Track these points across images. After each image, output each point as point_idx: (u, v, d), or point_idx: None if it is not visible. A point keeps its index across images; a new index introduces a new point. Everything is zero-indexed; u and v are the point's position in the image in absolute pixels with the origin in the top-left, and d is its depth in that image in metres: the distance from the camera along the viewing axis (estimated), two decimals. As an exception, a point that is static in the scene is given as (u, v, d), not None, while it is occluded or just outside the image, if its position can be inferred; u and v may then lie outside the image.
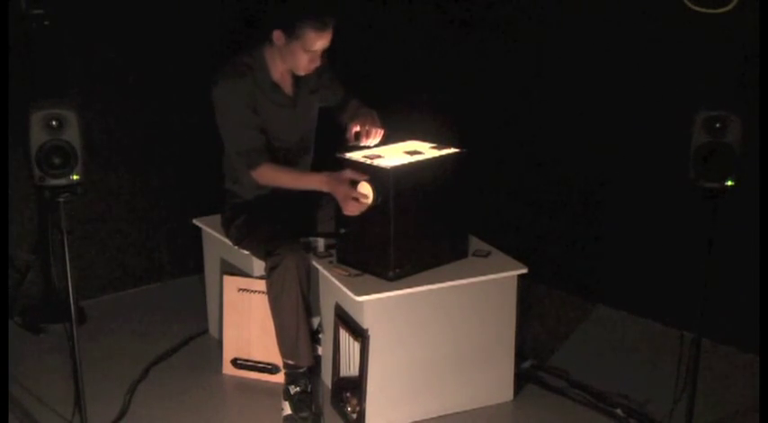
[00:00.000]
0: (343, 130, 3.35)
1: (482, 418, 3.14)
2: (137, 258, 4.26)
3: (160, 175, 4.25)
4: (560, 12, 3.96)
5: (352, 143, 3.24)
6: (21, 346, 3.63)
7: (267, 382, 3.34)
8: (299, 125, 3.36)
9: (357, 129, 3.24)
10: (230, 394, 3.34)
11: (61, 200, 2.66)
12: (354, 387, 3.04)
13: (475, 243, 3.35)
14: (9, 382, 3.22)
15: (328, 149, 3.28)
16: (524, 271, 3.15)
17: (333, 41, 3.13)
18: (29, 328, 3.80)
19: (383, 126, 3.26)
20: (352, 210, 3.00)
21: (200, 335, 3.77)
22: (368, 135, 3.22)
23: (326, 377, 3.30)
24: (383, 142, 3.28)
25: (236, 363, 3.40)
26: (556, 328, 3.82)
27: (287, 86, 3.30)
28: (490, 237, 3.41)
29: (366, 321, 2.97)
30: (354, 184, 3.00)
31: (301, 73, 3.22)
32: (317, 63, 3.16)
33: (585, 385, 3.29)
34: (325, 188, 3.08)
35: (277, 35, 3.11)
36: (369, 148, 3.23)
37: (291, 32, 3.07)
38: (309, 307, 3.12)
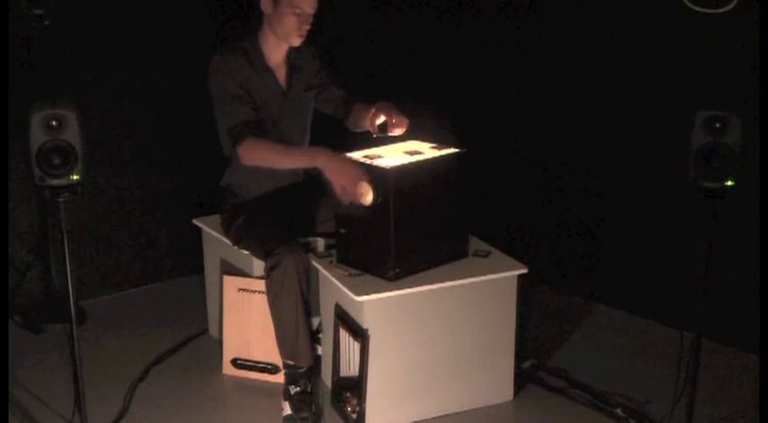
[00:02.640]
0: (358, 129, 3.36)
1: (482, 418, 3.14)
2: (137, 258, 4.26)
3: (160, 175, 4.25)
4: (560, 11, 3.96)
5: (376, 135, 3.23)
6: (21, 346, 3.63)
7: (267, 382, 3.34)
8: (288, 118, 3.32)
9: (381, 120, 3.23)
10: (230, 394, 3.34)
11: (61, 200, 2.66)
12: (354, 387, 3.04)
13: (475, 243, 3.35)
14: (9, 382, 3.23)
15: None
16: (524, 271, 3.15)
17: (320, 7, 3.15)
18: (29, 328, 3.80)
19: (406, 116, 3.23)
20: (346, 198, 2.96)
21: (200, 335, 3.77)
22: (395, 126, 3.21)
23: (326, 377, 3.30)
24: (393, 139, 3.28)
25: (236, 363, 3.40)
26: (556, 328, 3.82)
27: (281, 76, 3.31)
28: (490, 237, 3.41)
29: (366, 321, 2.97)
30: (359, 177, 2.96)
31: (295, 42, 3.21)
32: (308, 26, 3.17)
33: (585, 385, 3.29)
34: (318, 164, 2.96)
35: (265, 3, 3.15)
36: (396, 138, 3.22)
37: None
38: (309, 307, 3.12)
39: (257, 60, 3.23)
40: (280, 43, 3.25)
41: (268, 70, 3.26)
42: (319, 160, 2.98)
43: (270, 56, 3.26)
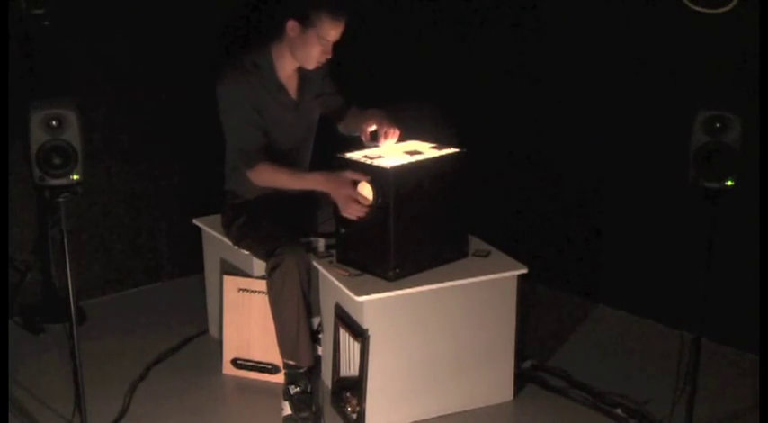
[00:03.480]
0: (349, 133, 3.37)
1: (482, 418, 3.14)
2: (137, 258, 4.26)
3: (160, 175, 4.25)
4: (560, 11, 3.96)
5: (367, 143, 3.23)
6: (21, 346, 3.63)
7: (267, 382, 3.34)
8: (300, 129, 3.36)
9: (372, 129, 3.23)
10: (230, 394, 3.34)
11: (61, 200, 2.66)
12: (354, 387, 3.04)
13: (475, 243, 3.35)
14: (9, 382, 3.23)
15: (327, 150, 3.28)
16: (524, 271, 3.15)
17: (342, 38, 3.14)
18: (29, 328, 3.80)
19: (398, 125, 3.24)
20: (352, 212, 2.99)
21: (200, 335, 3.77)
22: (386, 135, 3.21)
23: (326, 377, 3.30)
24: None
25: (236, 363, 3.40)
26: (556, 328, 3.82)
27: (292, 89, 3.31)
28: (490, 237, 3.41)
29: (366, 321, 2.97)
30: (355, 184, 3.00)
31: (311, 67, 3.21)
32: (329, 55, 3.17)
33: (585, 385, 3.29)
34: (323, 188, 3.07)
35: (291, 25, 3.13)
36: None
37: (307, 20, 3.09)
38: (310, 307, 3.12)
39: (269, 77, 3.23)
40: (295, 62, 3.24)
41: (280, 87, 3.26)
42: (322, 185, 3.07)
43: (282, 71, 3.26)
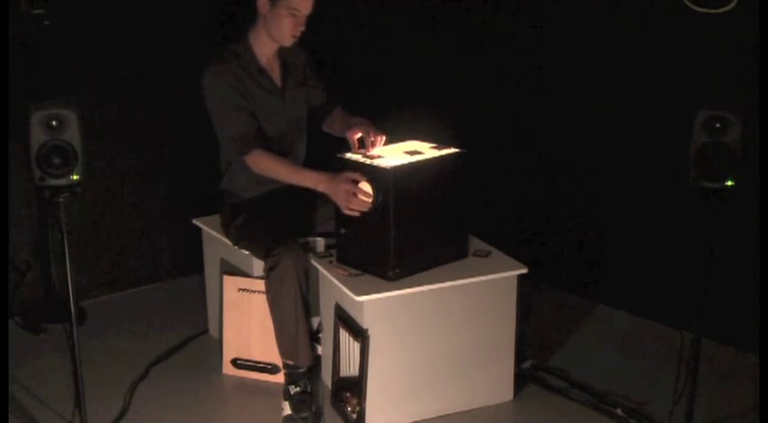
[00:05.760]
0: (332, 134, 3.37)
1: (482, 418, 3.14)
2: (137, 258, 4.26)
3: (160, 175, 4.25)
4: (560, 11, 3.96)
5: (357, 151, 3.24)
6: (21, 346, 3.63)
7: (267, 382, 3.34)
8: (287, 115, 3.34)
9: (359, 136, 3.24)
10: (230, 394, 3.34)
11: (61, 200, 2.66)
12: (354, 387, 3.04)
13: (475, 243, 3.35)
14: (9, 382, 3.23)
15: (326, 151, 3.28)
16: (524, 271, 3.15)
17: (315, 9, 3.15)
18: (29, 328, 3.80)
19: (383, 132, 3.25)
20: (355, 206, 2.98)
21: (200, 335, 3.77)
22: (373, 143, 3.21)
23: (326, 377, 3.30)
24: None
25: (236, 363, 3.40)
26: (556, 328, 3.82)
27: (275, 74, 3.32)
28: (490, 237, 3.41)
29: (366, 321, 2.97)
30: (355, 183, 3.00)
31: (287, 43, 3.22)
32: (302, 27, 3.18)
33: (585, 385, 3.29)
34: (321, 188, 3.06)
35: (262, 2, 3.15)
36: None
37: None
38: (308, 307, 3.12)
39: (250, 63, 3.23)
40: (272, 43, 3.25)
41: (262, 72, 3.26)
42: (320, 185, 3.05)
43: (262, 55, 3.27)
